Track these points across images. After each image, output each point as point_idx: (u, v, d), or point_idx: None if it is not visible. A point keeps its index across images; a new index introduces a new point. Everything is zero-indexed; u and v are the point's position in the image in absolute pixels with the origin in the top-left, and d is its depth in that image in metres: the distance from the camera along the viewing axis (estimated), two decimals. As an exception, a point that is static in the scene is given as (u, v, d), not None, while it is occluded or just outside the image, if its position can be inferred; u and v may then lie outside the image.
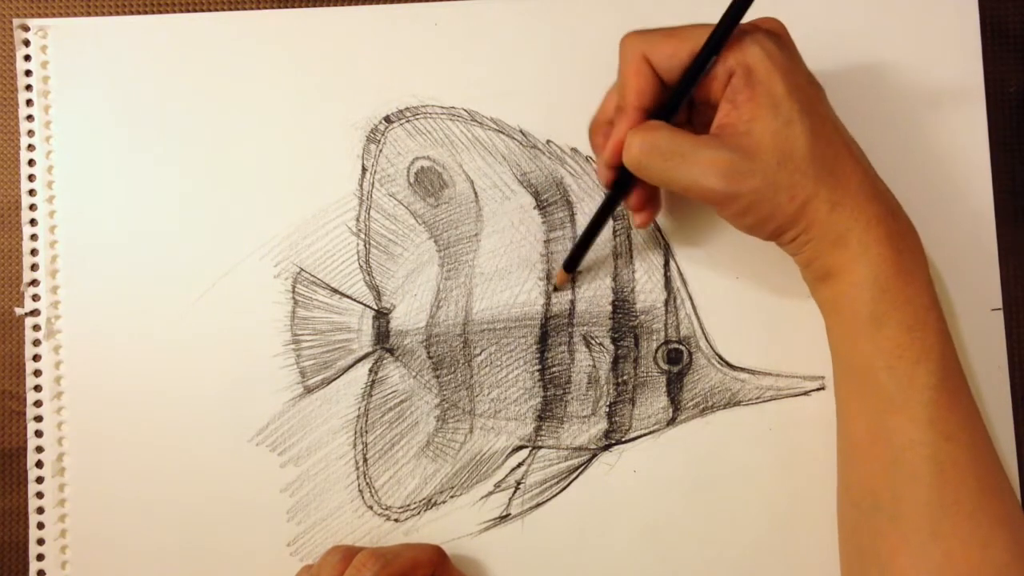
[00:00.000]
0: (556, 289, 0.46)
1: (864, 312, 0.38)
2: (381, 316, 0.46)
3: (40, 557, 0.45)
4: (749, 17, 0.38)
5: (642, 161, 0.39)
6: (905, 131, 0.47)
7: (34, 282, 0.46)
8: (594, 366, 0.46)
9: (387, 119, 0.47)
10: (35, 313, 0.46)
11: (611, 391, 0.46)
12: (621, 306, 0.46)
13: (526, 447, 0.46)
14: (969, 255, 0.46)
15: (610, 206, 0.43)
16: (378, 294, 0.47)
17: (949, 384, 0.38)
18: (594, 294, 0.46)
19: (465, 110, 0.47)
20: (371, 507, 0.46)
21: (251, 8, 0.48)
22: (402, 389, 0.46)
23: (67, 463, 0.46)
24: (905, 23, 0.47)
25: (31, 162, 0.47)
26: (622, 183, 0.42)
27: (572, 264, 0.45)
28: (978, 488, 0.37)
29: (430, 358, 0.46)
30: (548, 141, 0.47)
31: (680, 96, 0.40)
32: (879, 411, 0.38)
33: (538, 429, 0.46)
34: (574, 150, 0.47)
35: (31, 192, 0.47)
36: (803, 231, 0.39)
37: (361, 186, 0.47)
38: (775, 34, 0.40)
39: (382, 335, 0.46)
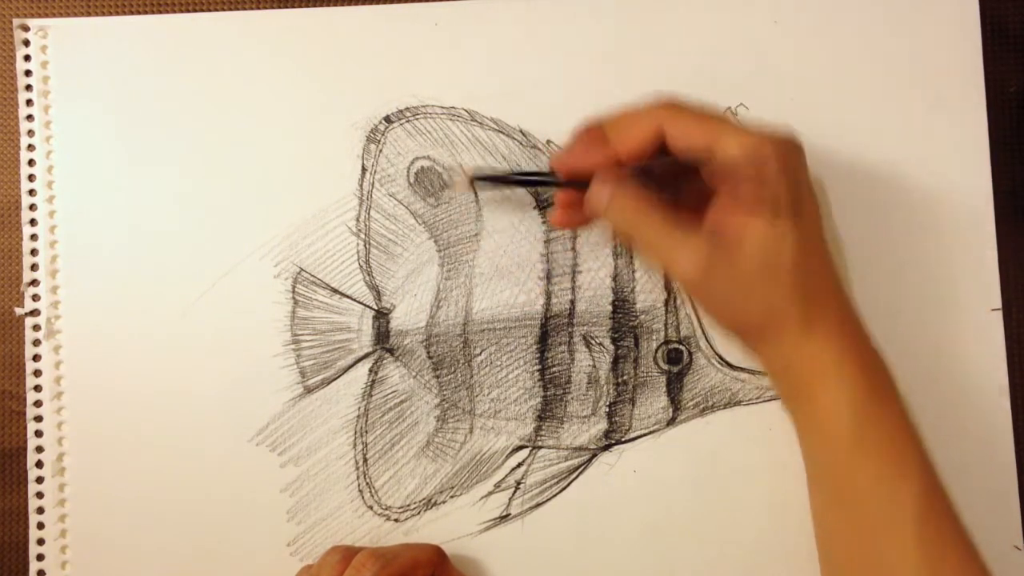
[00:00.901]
0: (447, 187, 0.45)
1: (844, 434, 0.38)
2: (381, 316, 0.46)
3: (40, 557, 0.45)
4: (768, 105, 0.38)
5: (628, 242, 0.40)
6: (905, 131, 0.47)
7: (34, 282, 0.46)
8: (594, 366, 0.46)
9: (387, 119, 0.47)
10: (35, 313, 0.46)
11: (611, 391, 0.46)
12: (621, 306, 0.46)
13: (526, 447, 0.46)
14: (969, 255, 0.46)
15: (543, 181, 0.44)
16: (378, 294, 0.47)
17: (935, 503, 0.38)
18: (594, 294, 0.46)
19: (465, 110, 0.47)
20: (371, 507, 0.46)
21: (251, 8, 0.48)
22: (402, 389, 0.46)
23: (67, 463, 0.46)
24: (905, 23, 0.47)
25: (31, 162, 0.47)
26: (573, 183, 0.41)
27: (483, 177, 0.44)
28: None
29: (430, 358, 0.46)
30: (548, 141, 0.47)
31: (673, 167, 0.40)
32: (864, 531, 0.38)
33: (538, 429, 0.46)
34: (574, 150, 0.47)
35: (31, 192, 0.47)
36: (769, 341, 0.39)
37: (361, 186, 0.47)
38: (791, 144, 0.39)
39: (382, 335, 0.46)
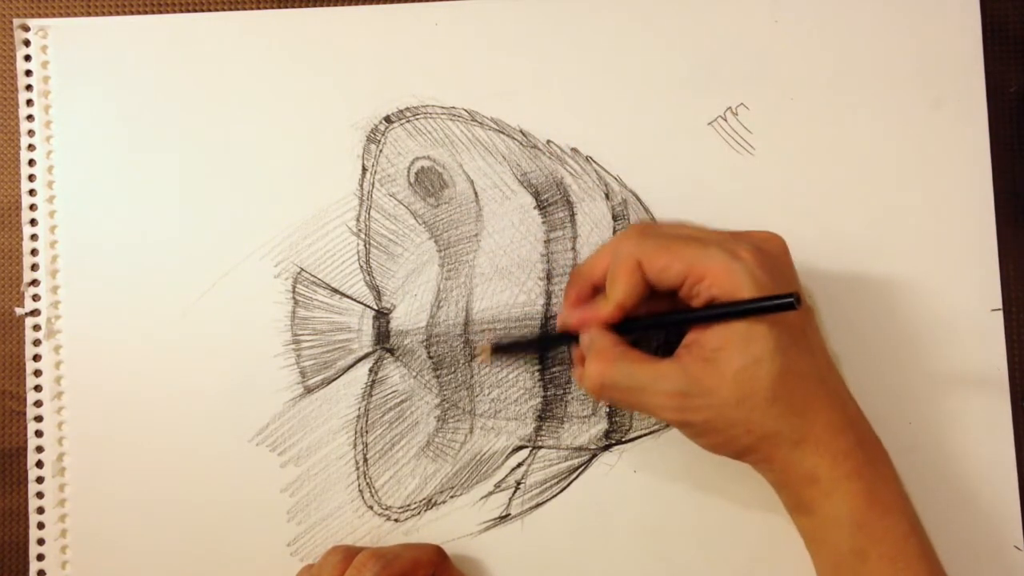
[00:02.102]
0: (473, 358, 0.46)
1: (844, 548, 0.38)
2: (381, 316, 0.46)
3: (40, 557, 0.45)
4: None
5: (602, 394, 0.40)
6: (905, 131, 0.47)
7: (34, 282, 0.46)
8: (594, 366, 0.46)
9: (387, 119, 0.47)
10: (35, 313, 0.46)
11: (611, 391, 0.46)
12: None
13: (526, 447, 0.46)
14: (969, 255, 0.46)
15: (557, 342, 0.45)
16: (378, 294, 0.47)
17: None
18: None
19: (465, 110, 0.47)
20: (371, 507, 0.46)
21: (251, 8, 0.48)
22: (402, 389, 0.46)
23: (67, 463, 0.46)
24: (905, 23, 0.47)
25: (31, 162, 0.47)
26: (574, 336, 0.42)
27: (500, 350, 0.45)
28: None
29: (430, 358, 0.46)
30: (548, 141, 0.47)
31: (650, 329, 0.41)
32: None
33: (538, 429, 0.46)
34: (574, 150, 0.47)
35: (31, 192, 0.47)
36: (763, 460, 0.39)
37: (361, 186, 0.47)
38: (771, 256, 0.39)
39: (382, 335, 0.46)
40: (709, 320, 0.38)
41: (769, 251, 0.39)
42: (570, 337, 0.42)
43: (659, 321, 0.41)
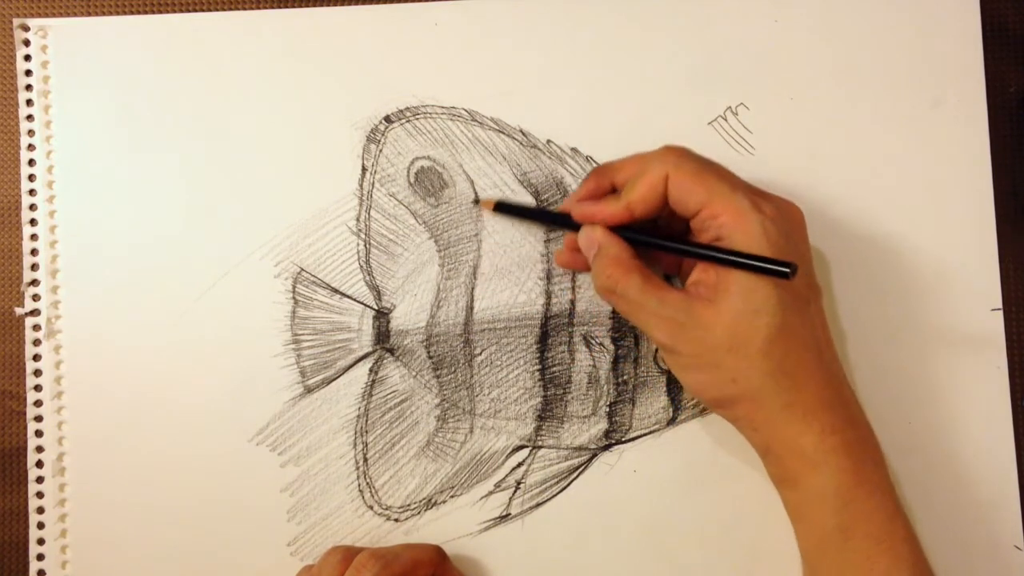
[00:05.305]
0: (476, 202, 0.46)
1: (830, 524, 0.38)
2: (381, 316, 0.46)
3: (40, 557, 0.45)
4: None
5: (607, 297, 0.40)
6: (905, 131, 0.47)
7: (34, 282, 0.46)
8: (594, 366, 0.46)
9: (387, 119, 0.47)
10: (35, 313, 0.46)
11: (611, 391, 0.46)
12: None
13: (526, 447, 0.46)
14: (969, 255, 0.46)
15: (559, 222, 0.45)
16: (378, 294, 0.47)
17: None
18: (594, 294, 0.46)
19: (465, 110, 0.47)
20: (371, 507, 0.46)
21: (251, 8, 0.48)
22: (402, 389, 0.46)
23: (67, 463, 0.46)
24: (905, 23, 0.47)
25: (31, 162, 0.47)
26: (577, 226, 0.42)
27: (505, 208, 0.46)
28: None
29: (430, 358, 0.46)
30: (548, 141, 0.47)
31: (650, 246, 0.41)
32: None
33: (538, 429, 0.46)
34: (574, 150, 0.47)
35: (31, 192, 0.47)
36: (746, 417, 0.39)
37: (361, 186, 0.47)
38: (790, 221, 0.39)
39: (382, 335, 0.46)
40: (707, 259, 0.38)
41: (791, 216, 0.40)
42: (572, 224, 0.42)
43: (660, 243, 0.40)
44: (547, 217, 0.46)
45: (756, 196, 0.39)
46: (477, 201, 0.46)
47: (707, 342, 0.37)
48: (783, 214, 0.39)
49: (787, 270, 0.35)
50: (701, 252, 0.38)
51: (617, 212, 0.40)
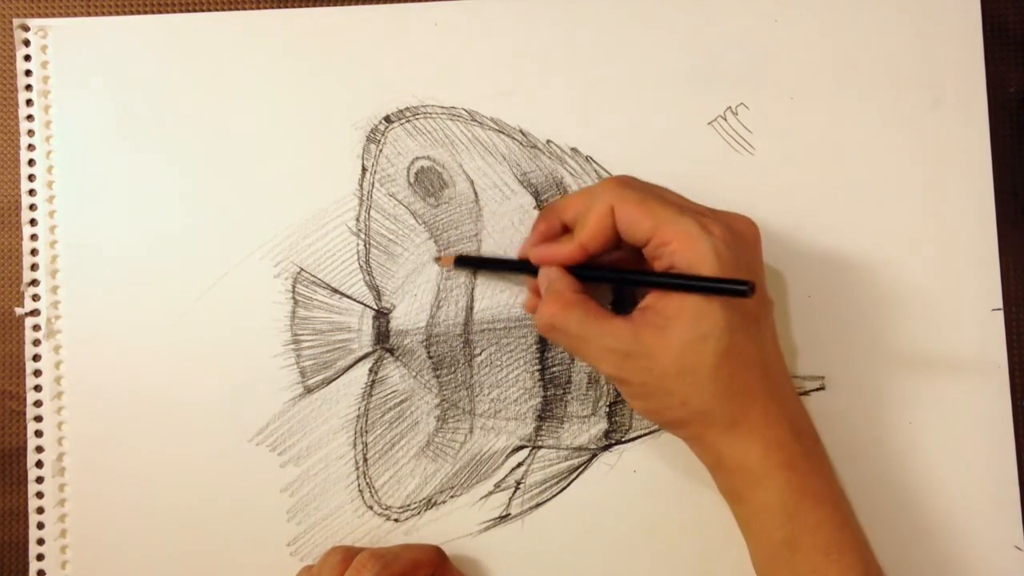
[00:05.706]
0: (437, 260, 0.46)
1: (777, 537, 0.38)
2: (381, 316, 0.46)
3: (40, 557, 0.45)
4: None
5: (549, 335, 0.40)
6: (905, 131, 0.47)
7: (34, 282, 0.46)
8: (594, 366, 0.46)
9: (387, 119, 0.47)
10: (35, 313, 0.46)
11: (611, 391, 0.46)
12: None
13: (526, 447, 0.46)
14: (969, 255, 0.46)
15: (517, 268, 0.45)
16: (378, 294, 0.47)
17: None
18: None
19: (465, 110, 0.47)
20: (371, 507, 0.46)
21: (251, 8, 0.48)
22: (402, 389, 0.46)
23: (67, 463, 0.46)
24: (905, 23, 0.47)
25: (31, 162, 0.47)
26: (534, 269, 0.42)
27: (465, 261, 0.46)
28: None
29: (430, 358, 0.46)
30: (548, 141, 0.47)
31: (606, 281, 0.41)
32: None
33: (538, 429, 0.46)
34: (574, 150, 0.47)
35: (31, 192, 0.47)
36: (695, 437, 0.39)
37: (361, 186, 0.47)
38: (741, 239, 0.39)
39: (382, 335, 0.46)
40: (663, 287, 0.38)
41: (741, 234, 0.39)
42: (531, 268, 0.42)
43: (614, 276, 0.41)
44: (506, 266, 0.46)
45: (704, 218, 0.38)
46: (438, 259, 0.46)
47: (655, 371, 0.37)
48: (733, 232, 0.39)
49: (745, 288, 0.35)
50: (657, 281, 0.38)
51: (573, 252, 0.40)
